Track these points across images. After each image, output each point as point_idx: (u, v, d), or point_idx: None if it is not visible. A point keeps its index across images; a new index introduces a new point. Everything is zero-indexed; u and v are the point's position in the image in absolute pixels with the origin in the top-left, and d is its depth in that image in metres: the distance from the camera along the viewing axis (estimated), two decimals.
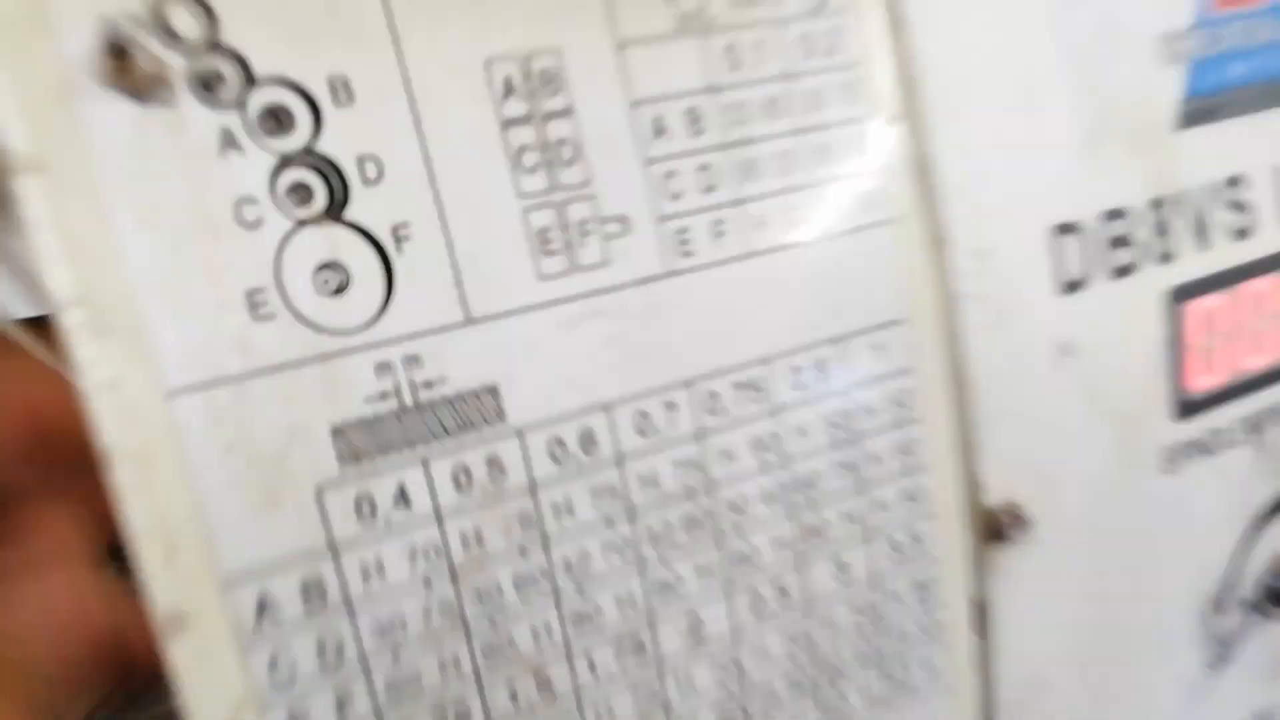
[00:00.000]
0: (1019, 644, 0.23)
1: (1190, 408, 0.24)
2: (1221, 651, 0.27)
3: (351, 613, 0.16)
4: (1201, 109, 0.23)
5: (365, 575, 0.16)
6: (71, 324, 0.14)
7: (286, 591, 0.15)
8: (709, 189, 0.18)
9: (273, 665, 0.15)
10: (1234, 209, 0.24)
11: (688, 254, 0.18)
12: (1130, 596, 0.24)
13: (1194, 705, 0.27)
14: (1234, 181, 0.24)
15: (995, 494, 0.21)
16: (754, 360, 0.18)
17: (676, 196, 0.17)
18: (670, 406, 0.18)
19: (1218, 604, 0.26)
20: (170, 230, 0.14)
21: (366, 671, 0.16)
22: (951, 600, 0.21)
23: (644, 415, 0.18)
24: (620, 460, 0.17)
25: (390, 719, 0.16)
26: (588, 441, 0.17)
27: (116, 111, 0.14)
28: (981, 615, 0.22)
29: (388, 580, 0.16)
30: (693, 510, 0.18)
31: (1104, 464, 0.23)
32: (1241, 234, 0.24)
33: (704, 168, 0.18)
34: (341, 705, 0.16)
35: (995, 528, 0.21)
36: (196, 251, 0.14)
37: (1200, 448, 0.24)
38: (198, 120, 0.14)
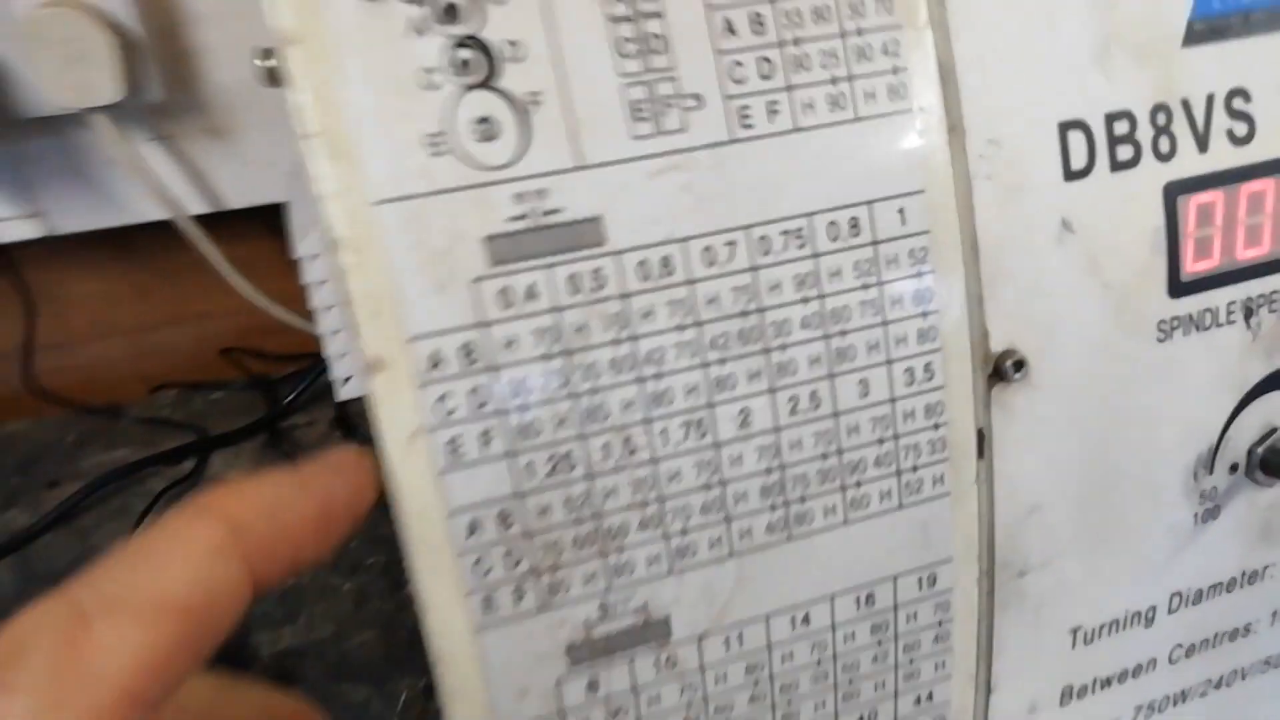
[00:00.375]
0: (1016, 471, 0.28)
1: (1185, 288, 0.28)
2: (1210, 508, 0.31)
3: (494, 371, 0.22)
4: (1208, 29, 0.27)
5: (504, 345, 0.22)
6: (316, 149, 0.21)
7: (450, 351, 0.22)
8: (766, 76, 0.23)
9: (439, 404, 0.22)
10: (1234, 117, 0.28)
11: (748, 126, 0.23)
12: (1123, 446, 0.29)
13: (1182, 553, 0.31)
14: (1235, 94, 0.28)
15: (998, 342, 0.26)
16: (799, 214, 0.24)
17: (740, 81, 0.23)
18: (730, 244, 0.23)
19: (1208, 465, 0.30)
20: (381, 88, 0.21)
21: (503, 415, 0.22)
22: (957, 421, 0.26)
23: (709, 250, 0.23)
24: (691, 282, 0.23)
25: (516, 454, 0.23)
26: (666, 265, 0.23)
27: (348, 2, 0.20)
28: (982, 442, 0.27)
29: (519, 351, 0.22)
30: (745, 326, 0.24)
31: (1100, 327, 0.27)
32: (1241, 140, 0.28)
33: (764, 60, 0.23)
34: (485, 439, 0.22)
35: (998, 368, 0.26)
36: (397, 104, 0.21)
37: (1193, 323, 0.29)
38: (399, 11, 0.21)
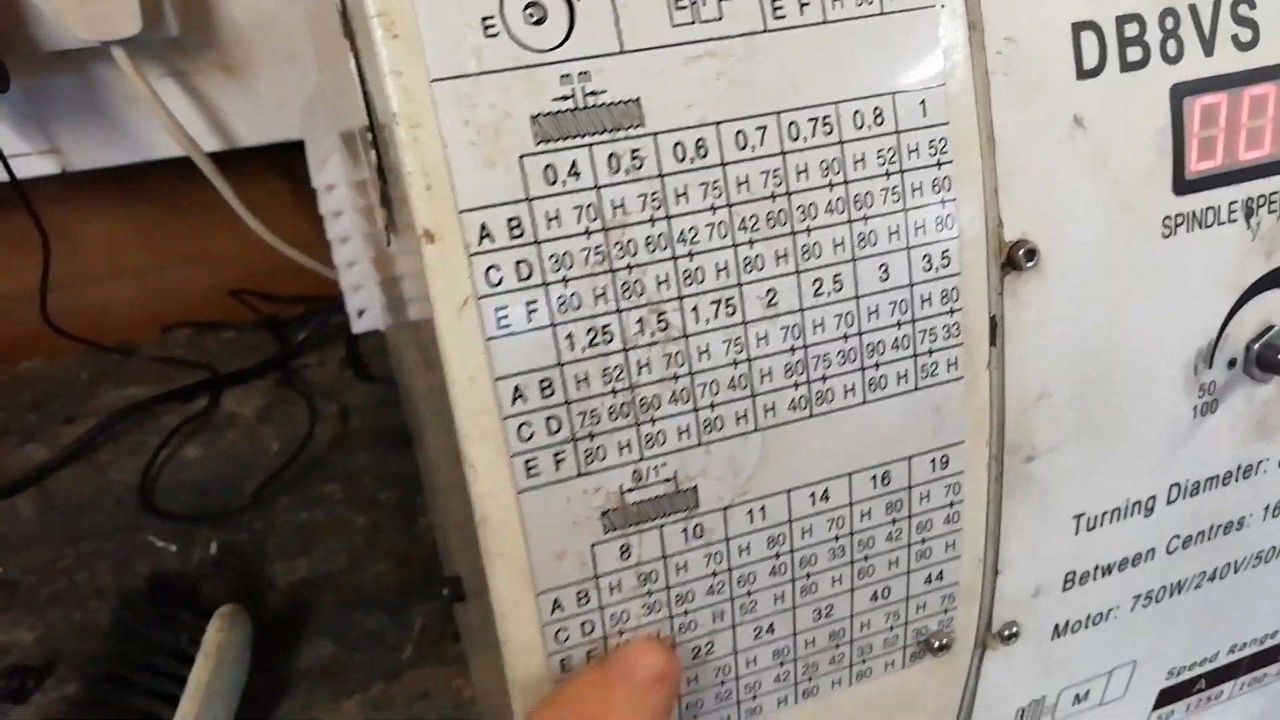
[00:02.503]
0: (1025, 357, 0.30)
1: (1189, 186, 0.30)
2: (1209, 402, 0.33)
3: (538, 245, 0.24)
4: None
5: (547, 220, 0.24)
6: (378, 29, 0.22)
7: (498, 224, 0.24)
8: None
9: (487, 274, 0.24)
10: (1239, 23, 0.30)
11: (780, 17, 0.25)
12: (1127, 338, 0.31)
13: (1181, 445, 0.33)
14: (1241, 1, 0.29)
15: (1011, 232, 0.28)
16: (827, 102, 0.26)
17: None
18: (761, 130, 0.25)
19: (1207, 360, 0.32)
20: None
21: (546, 287, 0.24)
22: (970, 308, 0.28)
23: (741, 134, 0.25)
24: (723, 164, 0.25)
25: (559, 325, 0.25)
26: (700, 147, 0.25)
27: None
28: (995, 328, 0.29)
29: (562, 226, 0.24)
30: (774, 209, 0.26)
31: (1107, 221, 0.29)
32: (1245, 46, 0.30)
33: None
34: (529, 309, 0.24)
35: (1010, 257, 0.28)
36: None
37: (1196, 220, 0.30)
38: None
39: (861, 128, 0.26)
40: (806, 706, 0.33)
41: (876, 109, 0.26)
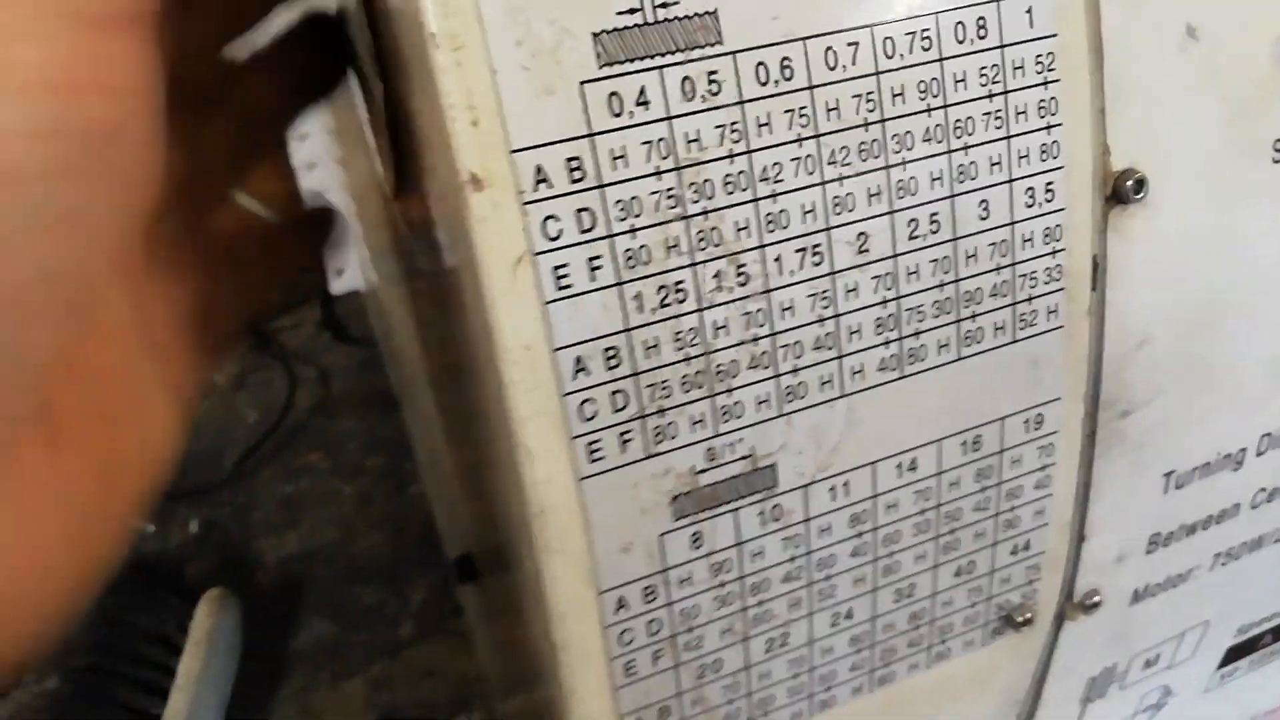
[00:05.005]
0: (1128, 301, 0.27)
1: None
2: None
3: (602, 188, 0.21)
4: None
5: (612, 159, 0.21)
6: None
7: (556, 165, 0.20)
8: None
9: (545, 225, 0.21)
10: None
11: None
12: (1230, 274, 0.29)
13: (1277, 390, 0.31)
14: None
15: (1119, 160, 0.26)
16: (925, 12, 0.23)
17: None
18: (853, 45, 0.22)
19: None
20: None
21: (611, 239, 0.21)
22: (1074, 248, 0.26)
23: (830, 50, 0.22)
24: (810, 88, 0.22)
25: (626, 283, 0.22)
26: (785, 67, 0.22)
27: None
28: (1096, 270, 0.26)
29: (630, 165, 0.21)
30: (866, 139, 0.23)
31: (1217, 144, 0.27)
32: None
33: None
34: (593, 266, 0.21)
35: (1116, 189, 0.26)
36: None
37: None
38: None
39: (963, 41, 0.23)
40: (881, 694, 0.31)
41: (980, 19, 0.23)
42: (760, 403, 0.24)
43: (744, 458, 0.24)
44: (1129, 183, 0.26)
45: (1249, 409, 0.32)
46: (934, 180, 0.24)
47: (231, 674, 0.50)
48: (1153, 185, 0.26)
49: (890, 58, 0.23)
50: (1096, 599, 0.32)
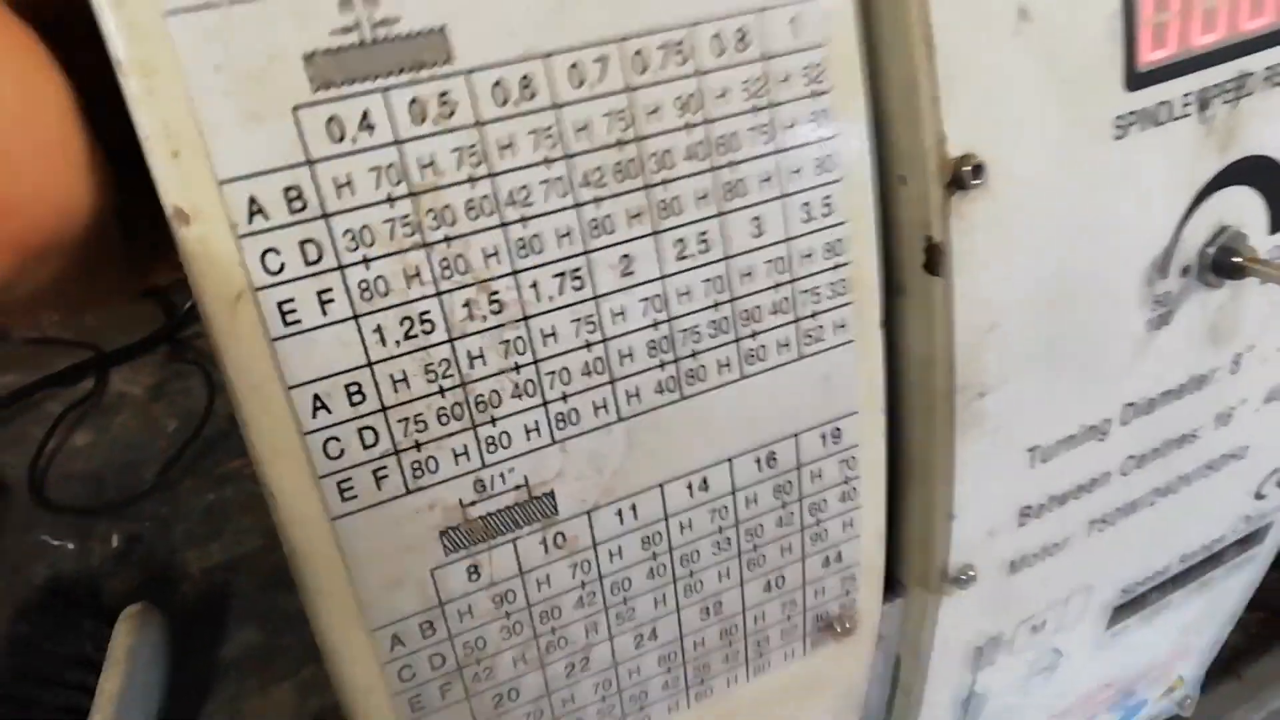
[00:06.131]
0: (975, 287, 0.27)
1: (1141, 79, 0.28)
2: (1163, 314, 0.31)
3: (327, 217, 0.20)
4: None
5: (337, 187, 0.20)
6: None
7: (272, 196, 0.19)
8: None
9: (264, 260, 0.20)
10: None
11: None
12: (1080, 254, 0.29)
13: (1135, 362, 0.32)
14: None
15: (956, 146, 0.25)
16: (680, 24, 0.22)
17: None
18: (601, 61, 0.21)
19: (1160, 268, 0.31)
20: None
21: (342, 270, 0.20)
22: (860, 260, 0.25)
23: (577, 67, 0.21)
24: (556, 106, 0.21)
25: (364, 316, 0.21)
26: (526, 86, 0.21)
27: None
28: (939, 257, 0.26)
29: (357, 193, 0.20)
30: (622, 158, 0.22)
31: (1057, 126, 0.27)
32: None
33: None
34: (323, 300, 0.20)
35: (956, 175, 0.25)
36: None
37: (1149, 117, 0.28)
38: None
39: (722, 54, 0.22)
40: (701, 709, 0.30)
41: (740, 30, 0.23)
42: (530, 431, 0.23)
43: (518, 487, 0.24)
44: (967, 169, 0.25)
45: (1109, 381, 0.32)
46: (699, 199, 0.23)
47: (158, 688, 0.49)
48: (992, 170, 0.26)
49: (643, 72, 0.22)
50: (971, 573, 0.33)
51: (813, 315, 0.25)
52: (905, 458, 0.31)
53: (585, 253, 0.22)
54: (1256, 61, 0.29)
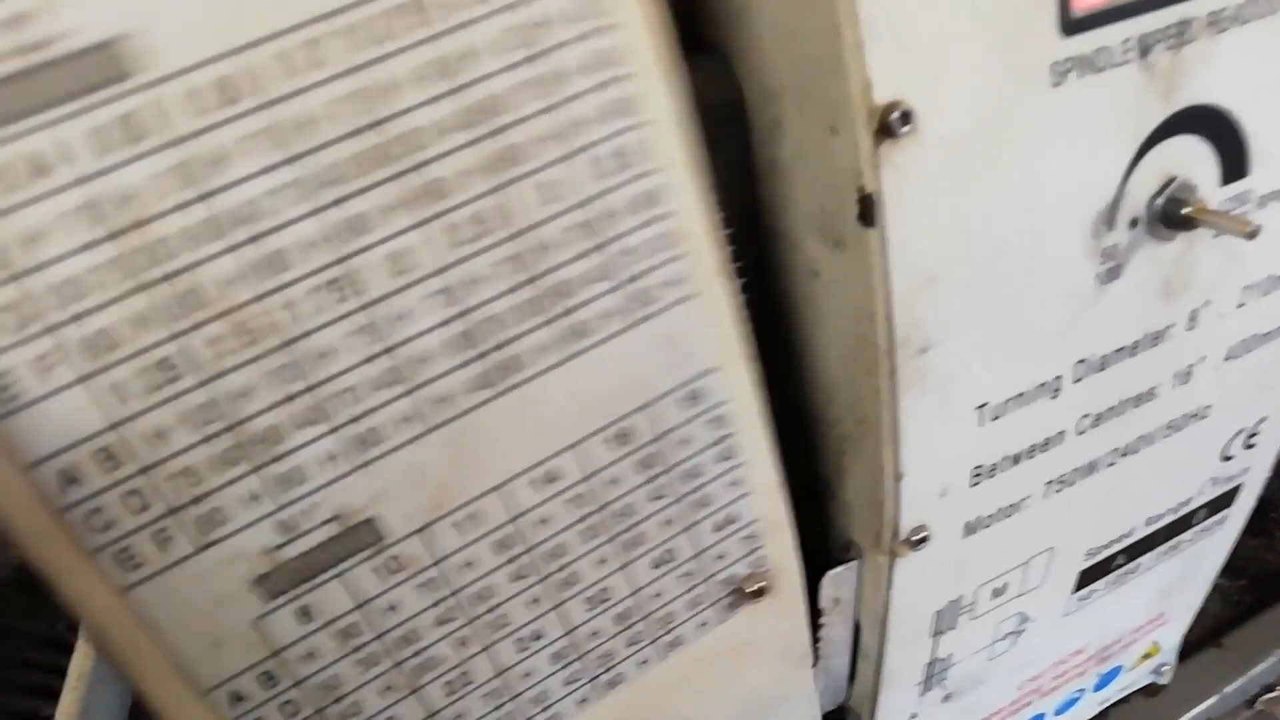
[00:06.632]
0: (910, 238, 0.25)
1: (1077, 24, 0.25)
2: (1112, 268, 0.29)
3: (22, 278, 0.18)
4: None
5: (26, 242, 0.18)
6: None
7: None
8: None
9: None
10: None
11: None
12: (1021, 205, 0.27)
13: (1084, 317, 0.30)
14: None
15: (883, 93, 0.23)
16: None
17: None
18: (312, 44, 0.19)
19: (1107, 220, 0.28)
20: None
21: (57, 330, 0.18)
22: (684, 209, 0.23)
23: (284, 55, 0.19)
24: (269, 104, 0.19)
25: (94, 375, 0.19)
26: (226, 89, 0.18)
27: None
28: (872, 207, 0.24)
29: (52, 243, 0.18)
30: (364, 147, 0.20)
31: (991, 72, 0.24)
32: None
33: None
34: (43, 366, 0.18)
35: (884, 122, 0.23)
36: None
37: (1087, 64, 0.26)
38: None
39: (462, 9, 0.20)
40: (618, 695, 0.29)
41: None
42: (326, 461, 0.21)
43: (329, 521, 0.22)
44: (895, 115, 0.23)
45: (1058, 337, 0.30)
46: (467, 176, 0.21)
47: None
48: (923, 118, 0.24)
49: (370, 47, 0.19)
50: (924, 534, 0.31)
51: (634, 279, 0.23)
52: (852, 416, 0.30)
53: (342, 260, 0.20)
54: (1198, 7, 0.26)
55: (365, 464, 0.22)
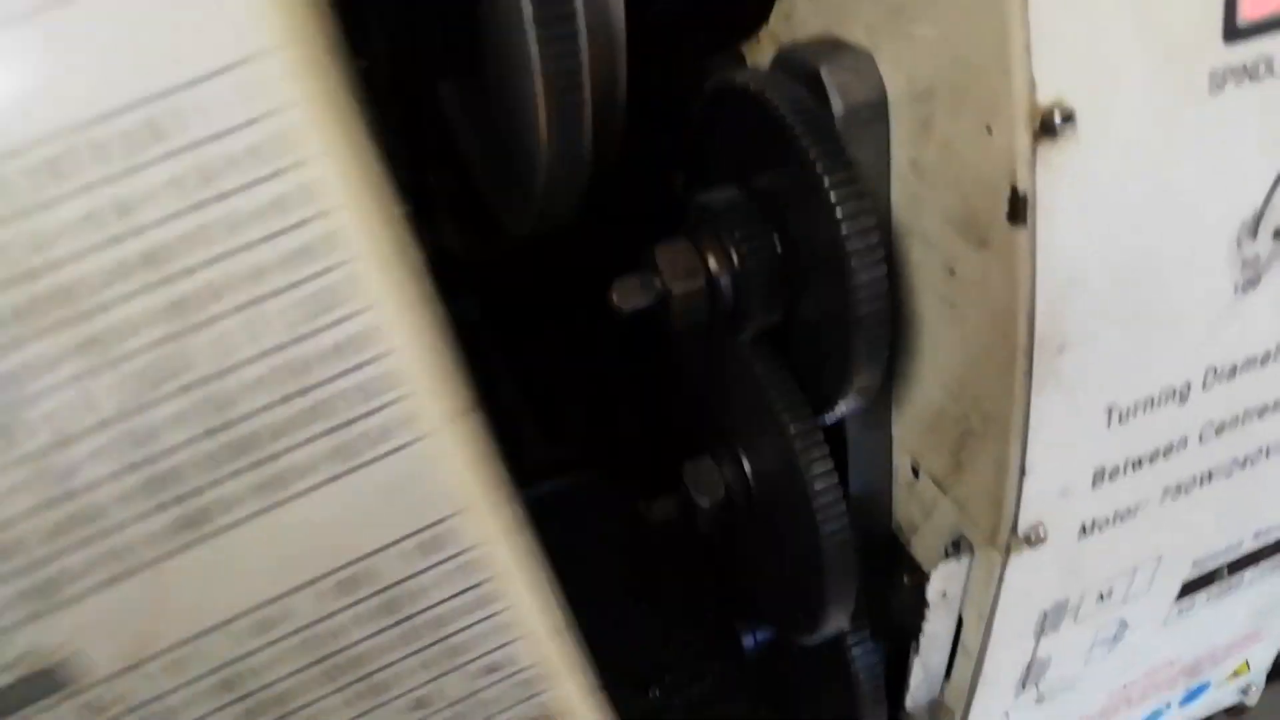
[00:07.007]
0: (1058, 238, 0.25)
1: (1240, 32, 0.25)
2: (1251, 277, 0.29)
3: None
4: None
5: None
6: None
7: None
8: None
9: None
10: None
11: None
12: (1169, 211, 0.26)
13: (1220, 325, 0.29)
14: None
15: (1046, 94, 0.23)
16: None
17: None
18: None
19: (1251, 231, 0.28)
20: None
21: None
22: (399, 348, 0.22)
23: None
24: None
25: None
26: None
27: None
28: (1024, 207, 0.24)
29: None
30: (20, 300, 0.19)
31: (1150, 78, 0.24)
32: None
33: None
34: None
35: (1045, 122, 0.23)
36: None
37: (1247, 73, 0.25)
38: None
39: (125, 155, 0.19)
40: None
41: (151, 122, 0.19)
42: (7, 607, 0.21)
43: (18, 661, 0.22)
44: (1056, 116, 0.23)
45: (1192, 344, 0.29)
46: (140, 325, 0.20)
47: None
48: (1082, 120, 0.24)
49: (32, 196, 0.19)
50: (1041, 532, 0.31)
51: (342, 425, 0.22)
52: (979, 412, 0.29)
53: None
54: None
55: (55, 608, 0.21)
